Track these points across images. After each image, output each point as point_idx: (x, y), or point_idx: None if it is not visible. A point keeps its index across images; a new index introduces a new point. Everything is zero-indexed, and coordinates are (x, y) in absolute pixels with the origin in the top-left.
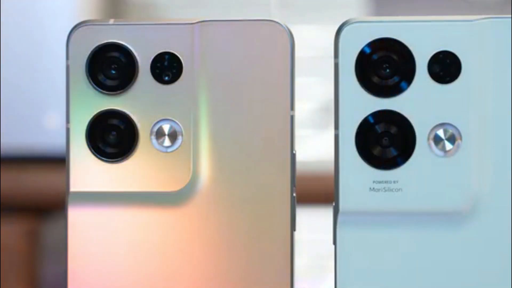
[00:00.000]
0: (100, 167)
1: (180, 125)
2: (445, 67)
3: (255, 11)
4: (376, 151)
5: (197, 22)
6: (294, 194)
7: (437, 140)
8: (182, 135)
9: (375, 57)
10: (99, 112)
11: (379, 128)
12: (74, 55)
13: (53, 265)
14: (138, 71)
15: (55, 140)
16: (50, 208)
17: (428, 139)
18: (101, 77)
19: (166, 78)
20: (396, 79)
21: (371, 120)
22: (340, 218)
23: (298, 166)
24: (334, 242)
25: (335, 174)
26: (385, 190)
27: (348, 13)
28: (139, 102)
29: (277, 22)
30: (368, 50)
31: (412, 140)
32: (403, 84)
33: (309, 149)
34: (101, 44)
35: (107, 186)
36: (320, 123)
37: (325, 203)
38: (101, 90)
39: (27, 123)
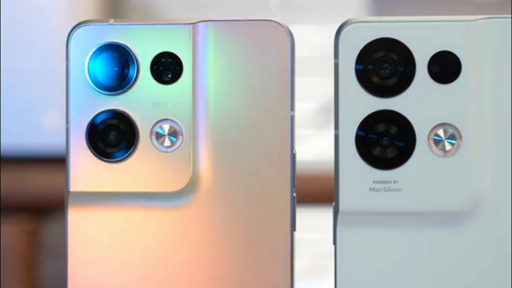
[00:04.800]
0: (100, 167)
1: (180, 125)
2: (445, 67)
3: (255, 11)
4: (376, 151)
5: (197, 22)
6: (294, 194)
7: (437, 140)
8: (182, 135)
9: (375, 57)
10: (99, 112)
11: (379, 128)
12: (74, 55)
13: (53, 265)
14: (138, 71)
15: (55, 140)
16: (50, 208)
17: (428, 139)
18: (101, 77)
19: (166, 78)
20: (396, 79)
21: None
22: (340, 218)
23: (298, 166)
24: (334, 242)
25: (335, 174)
26: (385, 190)
27: (348, 13)
28: (139, 102)
29: (277, 22)
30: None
31: (412, 140)
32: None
33: (310, 149)
34: (101, 44)
35: (107, 186)
36: (320, 123)
37: (325, 203)
38: (101, 90)
39: (27, 123)
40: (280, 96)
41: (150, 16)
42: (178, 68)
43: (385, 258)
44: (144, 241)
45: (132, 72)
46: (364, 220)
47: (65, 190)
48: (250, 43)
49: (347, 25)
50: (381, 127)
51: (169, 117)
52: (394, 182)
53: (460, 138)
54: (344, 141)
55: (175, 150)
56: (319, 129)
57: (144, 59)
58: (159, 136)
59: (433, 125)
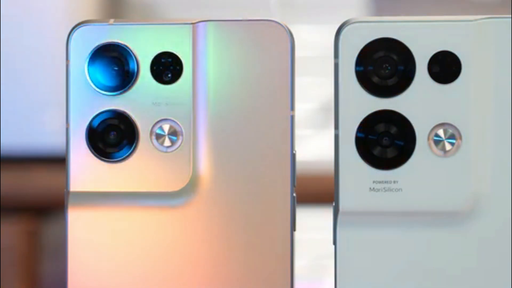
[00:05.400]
0: (100, 167)
1: (180, 125)
2: (445, 67)
3: (255, 11)
4: (376, 151)
5: (197, 22)
6: (294, 194)
7: (437, 140)
8: (182, 135)
9: (375, 57)
10: (99, 112)
11: (379, 128)
12: (74, 55)
13: (53, 265)
14: (138, 71)
15: (55, 140)
16: (50, 208)
17: (428, 139)
18: (101, 77)
19: (166, 78)
20: (396, 79)
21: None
22: (340, 218)
23: (298, 166)
24: (334, 242)
25: (335, 174)
26: (385, 190)
27: (348, 13)
28: (139, 102)
29: (277, 22)
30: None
31: (412, 140)
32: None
33: (310, 149)
34: (101, 44)
35: (107, 186)
36: (320, 123)
37: (325, 203)
38: (101, 90)
39: (27, 123)
40: (280, 96)
41: (150, 16)
42: (178, 68)
43: (385, 258)
44: (144, 241)
45: (132, 72)
46: (364, 220)
47: (65, 190)
48: (250, 43)
49: (347, 25)
50: (381, 127)
51: (169, 117)
52: (394, 182)
53: (460, 138)
54: (344, 141)
55: (175, 150)
56: (319, 129)
57: (144, 59)
58: (159, 136)
59: (433, 125)
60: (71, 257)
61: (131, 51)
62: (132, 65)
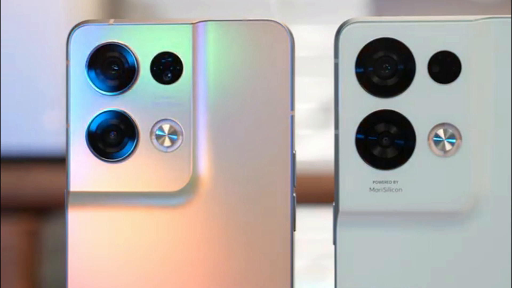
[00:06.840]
0: (100, 167)
1: (180, 125)
2: (445, 67)
3: (255, 11)
4: (376, 151)
5: (197, 22)
6: (294, 194)
7: (437, 140)
8: (182, 135)
9: (375, 57)
10: (99, 112)
11: (379, 128)
12: (74, 55)
13: (53, 265)
14: (138, 71)
15: (55, 140)
16: (50, 208)
17: (428, 139)
18: (101, 77)
19: (166, 78)
20: (396, 79)
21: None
22: (340, 218)
23: (298, 166)
24: (334, 242)
25: (335, 174)
26: (385, 190)
27: (348, 13)
28: (139, 102)
29: (277, 22)
30: None
31: (412, 140)
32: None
33: (310, 149)
34: (101, 44)
35: (107, 186)
36: (320, 123)
37: (325, 203)
38: (101, 90)
39: (27, 123)
40: (280, 96)
41: (150, 16)
42: (178, 68)
43: (385, 258)
44: (144, 241)
45: (132, 72)
46: (364, 220)
47: (65, 190)
48: (250, 43)
49: (347, 25)
50: (381, 127)
51: (169, 117)
52: (394, 182)
53: (460, 138)
54: (344, 141)
55: (175, 150)
56: (319, 129)
57: (144, 59)
58: (159, 136)
59: (433, 125)
60: (71, 257)
61: (131, 51)
62: (132, 65)
